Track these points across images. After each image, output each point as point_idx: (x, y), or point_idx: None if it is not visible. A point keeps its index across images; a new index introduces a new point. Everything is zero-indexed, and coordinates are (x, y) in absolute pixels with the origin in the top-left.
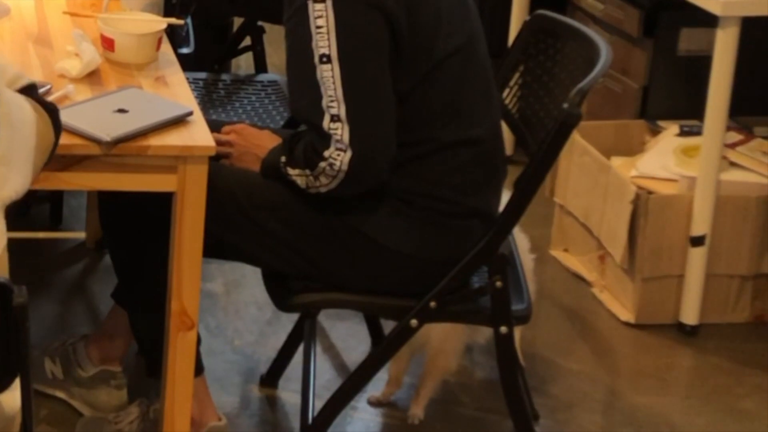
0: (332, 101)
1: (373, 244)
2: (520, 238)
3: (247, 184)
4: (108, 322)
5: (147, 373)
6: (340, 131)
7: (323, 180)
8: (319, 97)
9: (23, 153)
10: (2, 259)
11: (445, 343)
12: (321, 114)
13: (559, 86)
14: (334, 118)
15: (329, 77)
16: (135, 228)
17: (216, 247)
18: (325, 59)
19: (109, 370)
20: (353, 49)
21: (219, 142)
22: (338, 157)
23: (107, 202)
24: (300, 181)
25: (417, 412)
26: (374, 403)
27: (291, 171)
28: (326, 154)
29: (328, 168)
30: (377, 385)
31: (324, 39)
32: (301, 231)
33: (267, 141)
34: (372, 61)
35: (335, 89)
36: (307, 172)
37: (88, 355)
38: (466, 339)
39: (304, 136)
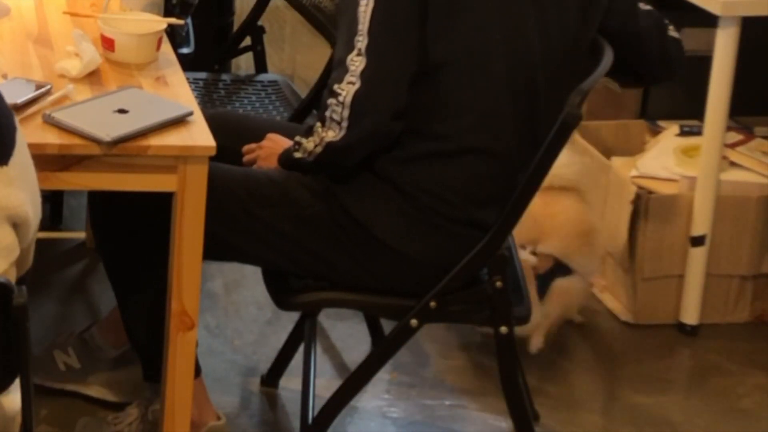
0: (360, 36)
1: (375, 241)
2: None
3: (247, 182)
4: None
5: (143, 377)
6: (358, 64)
7: (330, 133)
8: (354, 33)
9: None
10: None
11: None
12: (351, 49)
13: None
14: (359, 52)
15: (363, 11)
16: (128, 229)
17: (217, 248)
18: None
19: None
20: None
21: (250, 150)
22: (345, 89)
23: (99, 204)
24: (309, 146)
25: (537, 341)
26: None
27: (304, 142)
28: (337, 87)
29: (335, 104)
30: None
31: None
32: (303, 224)
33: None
34: (405, 6)
35: (364, 23)
36: (318, 126)
37: (105, 340)
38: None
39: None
